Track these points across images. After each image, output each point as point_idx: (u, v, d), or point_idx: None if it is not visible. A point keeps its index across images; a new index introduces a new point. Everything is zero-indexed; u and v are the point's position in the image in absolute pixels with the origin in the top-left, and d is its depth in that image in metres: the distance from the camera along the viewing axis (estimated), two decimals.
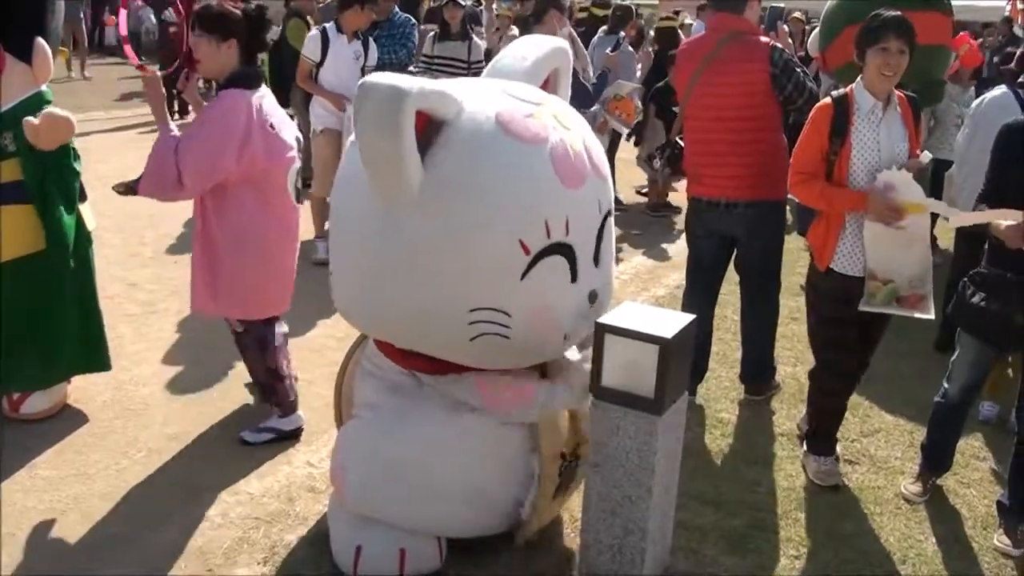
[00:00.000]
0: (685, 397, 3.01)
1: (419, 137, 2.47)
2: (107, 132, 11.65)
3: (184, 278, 5.93)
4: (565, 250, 2.68)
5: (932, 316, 3.58)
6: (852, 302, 3.61)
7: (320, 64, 6.34)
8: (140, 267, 6.28)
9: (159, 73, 3.75)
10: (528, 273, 2.62)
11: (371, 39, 6.61)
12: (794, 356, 5.17)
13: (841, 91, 3.62)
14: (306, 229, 6.91)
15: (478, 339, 2.66)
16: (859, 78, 3.58)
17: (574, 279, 2.75)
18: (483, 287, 2.63)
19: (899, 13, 3.48)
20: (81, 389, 4.28)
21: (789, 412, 4.48)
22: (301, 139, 3.92)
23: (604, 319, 2.84)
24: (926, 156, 3.55)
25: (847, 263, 3.63)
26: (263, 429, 3.96)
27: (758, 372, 4.60)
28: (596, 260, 2.85)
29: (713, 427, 4.31)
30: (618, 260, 6.90)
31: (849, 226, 3.60)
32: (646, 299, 6.17)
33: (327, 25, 6.45)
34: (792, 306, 4.92)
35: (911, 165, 3.50)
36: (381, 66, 6.31)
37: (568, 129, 2.75)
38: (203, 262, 3.78)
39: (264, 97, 3.68)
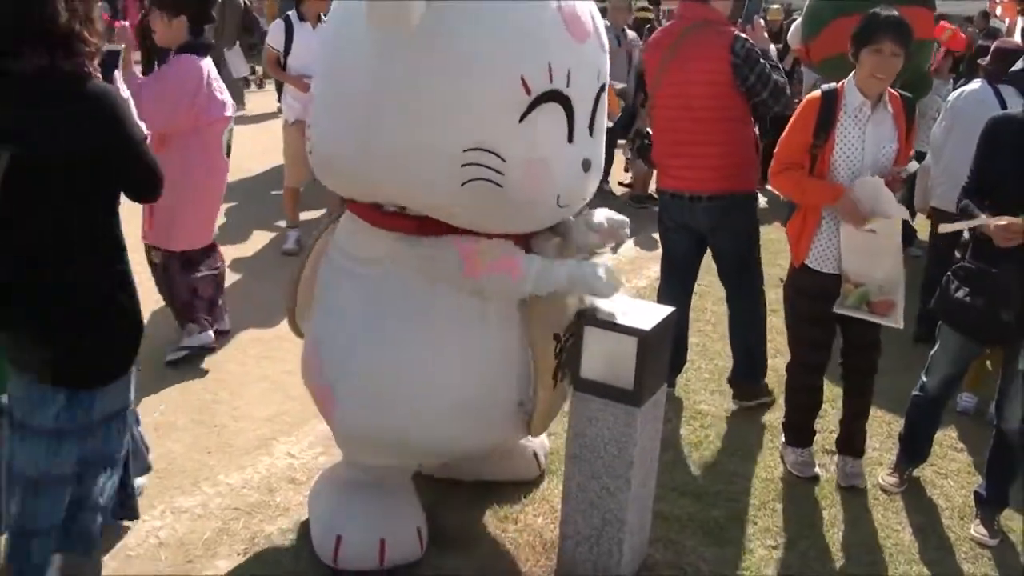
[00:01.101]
0: (664, 389, 3.03)
1: None
2: None
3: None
4: (565, 102, 2.60)
5: (900, 326, 3.58)
6: (826, 300, 3.61)
7: (287, 52, 6.34)
8: None
9: (125, 24, 4.40)
10: (527, 116, 2.53)
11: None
12: (773, 348, 5.18)
13: (831, 86, 3.57)
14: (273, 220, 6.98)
15: (470, 184, 2.54)
16: (852, 74, 3.54)
17: (571, 139, 2.67)
18: (480, 124, 2.52)
19: (896, 13, 3.44)
20: None
21: (767, 404, 4.50)
22: (235, 105, 4.67)
23: (584, 310, 2.85)
24: (913, 166, 3.52)
25: (821, 260, 3.63)
26: (179, 348, 4.58)
27: (742, 371, 4.53)
28: (591, 129, 2.78)
29: (692, 419, 4.33)
30: (597, 253, 6.93)
31: (825, 222, 3.58)
32: (627, 290, 6.18)
33: (289, 13, 6.46)
34: (771, 297, 4.92)
35: (892, 172, 3.49)
36: None
37: None
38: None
39: (211, 64, 4.42)
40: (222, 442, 3.86)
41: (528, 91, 2.50)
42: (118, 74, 2.85)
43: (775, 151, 3.68)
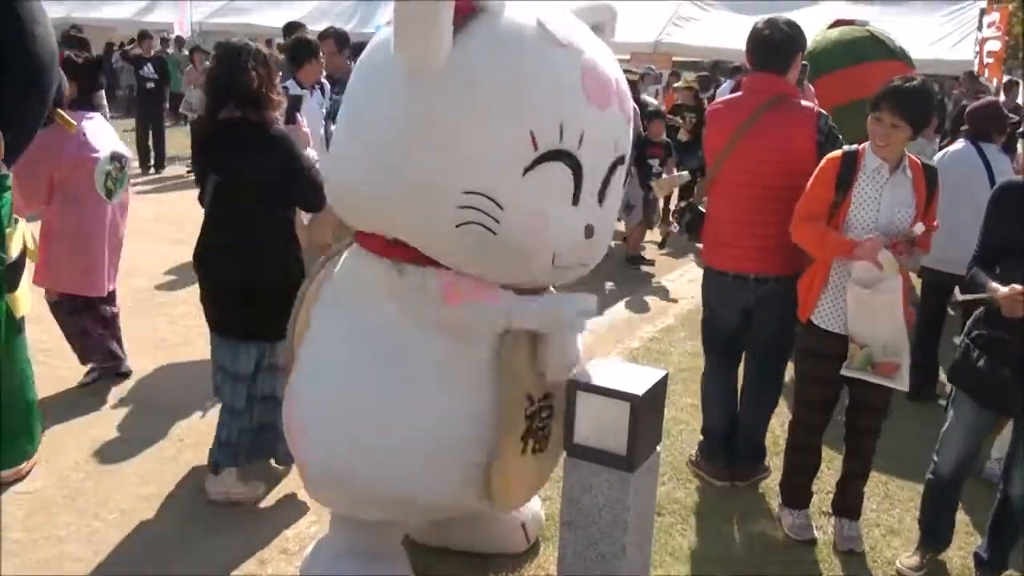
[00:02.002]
0: (658, 453, 3.02)
1: (457, 21, 2.46)
2: None
3: (158, 335, 6.00)
4: (573, 163, 2.60)
5: (905, 388, 3.54)
6: (830, 359, 3.58)
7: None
8: None
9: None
10: (531, 170, 2.54)
11: (324, 82, 6.74)
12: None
13: (853, 147, 3.58)
14: None
15: (464, 227, 2.56)
16: None
17: (575, 202, 2.67)
18: (483, 170, 2.54)
19: (902, 85, 3.43)
20: (53, 448, 4.23)
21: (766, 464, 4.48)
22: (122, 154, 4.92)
23: (575, 375, 2.85)
24: (919, 227, 3.44)
25: (827, 318, 3.62)
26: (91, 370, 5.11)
27: (751, 452, 4.32)
28: (601, 197, 2.78)
29: (688, 481, 4.31)
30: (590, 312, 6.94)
31: (833, 280, 3.59)
32: (622, 351, 6.19)
33: (287, 84, 6.55)
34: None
35: (904, 234, 3.45)
36: (335, 106, 6.42)
37: (604, 59, 2.73)
38: (42, 244, 4.57)
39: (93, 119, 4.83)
40: (213, 512, 3.83)
41: (535, 146, 2.53)
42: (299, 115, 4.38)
43: (796, 205, 3.64)
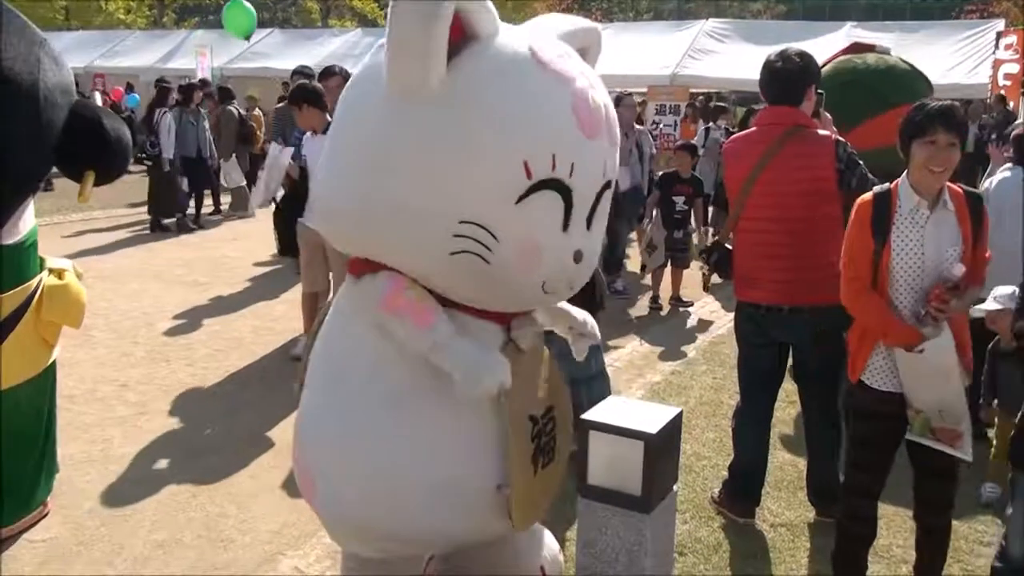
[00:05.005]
0: (675, 493, 2.96)
1: (450, 47, 2.43)
2: (104, 231, 11.81)
3: (176, 379, 6.02)
4: (564, 192, 2.58)
5: (969, 459, 3.19)
6: (881, 420, 3.29)
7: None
8: (131, 367, 6.26)
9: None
10: (524, 200, 2.51)
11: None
12: (792, 442, 5.10)
13: (884, 187, 3.29)
14: (292, 327, 7.01)
15: (458, 256, 2.54)
16: (904, 174, 3.24)
17: (565, 228, 2.65)
18: (478, 200, 2.52)
19: (948, 102, 3.18)
20: (67, 495, 4.22)
21: (788, 501, 4.39)
22: None
23: (588, 415, 2.79)
24: (959, 269, 3.10)
25: (878, 377, 3.28)
26: None
27: (830, 491, 4.07)
28: (588, 222, 2.76)
29: (710, 519, 4.22)
30: (610, 347, 6.90)
31: None
32: (641, 386, 6.12)
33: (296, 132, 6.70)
34: (789, 389, 4.86)
35: (942, 280, 3.11)
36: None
37: (594, 86, 2.71)
38: None
39: None
40: (229, 558, 3.78)
41: (529, 175, 2.51)
42: None
43: (841, 260, 3.37)
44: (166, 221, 11.99)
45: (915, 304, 3.16)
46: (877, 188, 3.31)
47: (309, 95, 6.20)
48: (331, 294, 6.49)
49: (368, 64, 2.77)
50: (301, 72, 9.06)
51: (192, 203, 12.44)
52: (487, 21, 2.52)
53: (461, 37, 2.46)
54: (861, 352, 3.32)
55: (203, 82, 15.83)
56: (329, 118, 6.15)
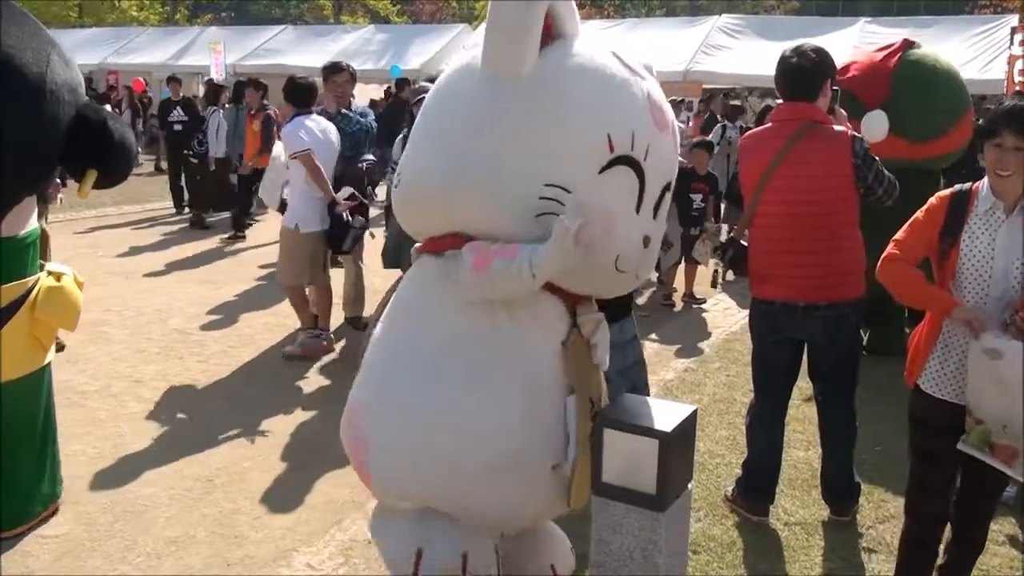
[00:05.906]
0: (689, 491, 2.93)
1: (542, 41, 2.68)
2: (117, 227, 11.86)
3: (189, 375, 6.03)
4: (639, 170, 2.75)
5: (1022, 480, 3.02)
6: (941, 432, 3.08)
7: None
8: (145, 363, 6.28)
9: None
10: (605, 171, 2.69)
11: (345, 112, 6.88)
12: (806, 440, 5.07)
13: (967, 185, 3.12)
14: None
15: (542, 217, 2.68)
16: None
17: (638, 210, 2.81)
18: (565, 165, 2.69)
19: (1016, 104, 3.01)
20: (81, 491, 4.23)
21: (803, 500, 4.36)
22: None
23: (603, 412, 2.78)
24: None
25: (935, 383, 3.12)
26: None
27: (846, 490, 4.15)
28: (655, 211, 2.92)
29: (723, 518, 4.20)
30: None
31: (944, 337, 3.10)
32: (654, 383, 6.09)
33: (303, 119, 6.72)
34: (803, 386, 4.83)
35: (1015, 304, 2.92)
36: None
37: (660, 91, 2.96)
38: None
39: None
40: (242, 555, 3.79)
41: (611, 148, 2.69)
42: None
43: (894, 237, 3.20)
44: (210, 219, 11.97)
45: (992, 310, 2.98)
46: (957, 186, 3.16)
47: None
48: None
49: (454, 67, 2.97)
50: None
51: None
52: (572, 23, 2.79)
53: (550, 33, 2.73)
54: (919, 355, 3.17)
55: (256, 83, 15.53)
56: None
